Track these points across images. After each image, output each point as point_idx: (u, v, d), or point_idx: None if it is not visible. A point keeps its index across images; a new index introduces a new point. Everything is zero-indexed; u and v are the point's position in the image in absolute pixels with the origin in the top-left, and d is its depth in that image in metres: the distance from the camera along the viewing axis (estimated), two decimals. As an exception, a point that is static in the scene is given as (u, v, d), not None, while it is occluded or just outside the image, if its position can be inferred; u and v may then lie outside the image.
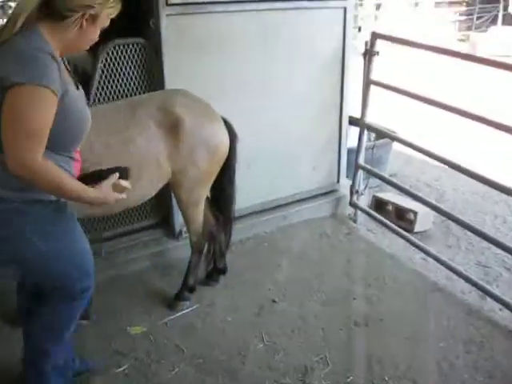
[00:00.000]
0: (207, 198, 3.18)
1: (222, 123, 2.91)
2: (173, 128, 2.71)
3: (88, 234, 3.05)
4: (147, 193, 2.79)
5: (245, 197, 3.91)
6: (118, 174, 1.93)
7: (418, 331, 2.95)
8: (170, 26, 3.24)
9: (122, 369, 2.67)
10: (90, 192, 1.85)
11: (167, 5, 3.18)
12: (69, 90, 1.79)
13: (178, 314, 3.09)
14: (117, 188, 1.93)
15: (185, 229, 3.33)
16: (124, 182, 1.96)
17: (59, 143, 1.81)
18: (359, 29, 13.85)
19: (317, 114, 4.04)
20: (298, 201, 4.21)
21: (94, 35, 1.86)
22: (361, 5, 16.27)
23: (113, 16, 1.86)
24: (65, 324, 2.22)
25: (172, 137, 2.71)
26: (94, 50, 2.84)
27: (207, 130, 2.81)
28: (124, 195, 1.97)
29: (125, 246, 3.56)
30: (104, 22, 1.84)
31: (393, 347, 2.82)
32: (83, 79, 2.97)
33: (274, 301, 3.21)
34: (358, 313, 3.10)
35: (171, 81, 3.31)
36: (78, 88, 1.92)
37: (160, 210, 3.70)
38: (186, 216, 3.01)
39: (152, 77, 3.38)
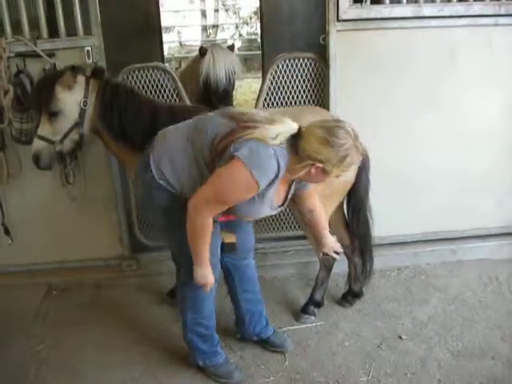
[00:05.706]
0: (345, 220, 3.13)
1: None
2: None
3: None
4: None
5: (409, 222, 3.71)
6: None
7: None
8: (340, 41, 3.25)
9: (224, 363, 2.83)
10: (200, 266, 2.26)
11: (338, 20, 3.21)
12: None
13: (298, 326, 3.11)
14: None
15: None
16: None
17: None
18: None
19: (506, 146, 3.58)
20: (475, 237, 3.79)
21: (319, 180, 2.20)
22: None
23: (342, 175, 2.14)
24: (181, 300, 2.61)
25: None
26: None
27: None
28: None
29: (275, 250, 3.72)
30: (333, 176, 2.13)
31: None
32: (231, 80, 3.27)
33: (400, 337, 2.98)
34: (490, 374, 2.67)
35: (336, 96, 3.34)
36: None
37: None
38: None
39: (318, 90, 3.44)
